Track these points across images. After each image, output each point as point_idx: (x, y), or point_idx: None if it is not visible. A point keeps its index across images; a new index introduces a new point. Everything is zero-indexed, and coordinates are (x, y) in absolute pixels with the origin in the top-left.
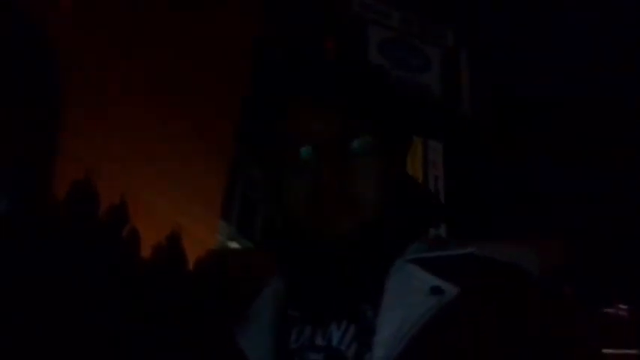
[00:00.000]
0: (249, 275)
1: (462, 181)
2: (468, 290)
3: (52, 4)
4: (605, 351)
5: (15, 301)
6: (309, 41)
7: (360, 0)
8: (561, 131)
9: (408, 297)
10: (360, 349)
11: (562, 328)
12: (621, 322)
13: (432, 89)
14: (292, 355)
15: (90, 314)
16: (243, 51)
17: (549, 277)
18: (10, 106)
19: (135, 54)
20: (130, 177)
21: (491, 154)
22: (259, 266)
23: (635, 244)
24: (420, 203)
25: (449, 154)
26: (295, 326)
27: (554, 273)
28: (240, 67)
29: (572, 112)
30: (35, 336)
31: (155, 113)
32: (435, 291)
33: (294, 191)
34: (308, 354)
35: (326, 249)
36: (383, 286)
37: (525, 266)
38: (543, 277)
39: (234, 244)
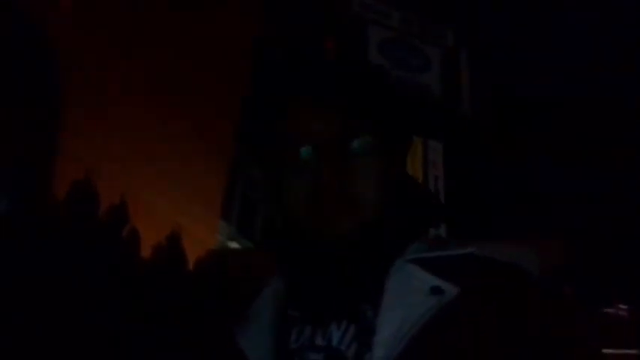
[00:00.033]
0: (249, 275)
1: (462, 181)
2: (468, 290)
3: (52, 4)
4: (605, 351)
5: (15, 301)
6: (309, 41)
7: (360, 0)
8: (561, 131)
9: (408, 297)
10: (360, 349)
11: (562, 328)
12: (621, 322)
13: (432, 89)
14: (292, 355)
15: (90, 314)
16: (243, 51)
17: (549, 277)
18: (10, 106)
19: (135, 54)
20: (130, 177)
21: (491, 154)
22: (259, 266)
23: (635, 244)
24: (420, 203)
25: (449, 154)
26: (295, 326)
27: (554, 273)
28: (240, 67)
29: (572, 112)
30: (35, 336)
31: (155, 113)
32: (435, 291)
33: (294, 191)
34: (308, 354)
35: (326, 249)
36: (383, 286)
37: (525, 266)
38: (543, 277)
39: (234, 244)
